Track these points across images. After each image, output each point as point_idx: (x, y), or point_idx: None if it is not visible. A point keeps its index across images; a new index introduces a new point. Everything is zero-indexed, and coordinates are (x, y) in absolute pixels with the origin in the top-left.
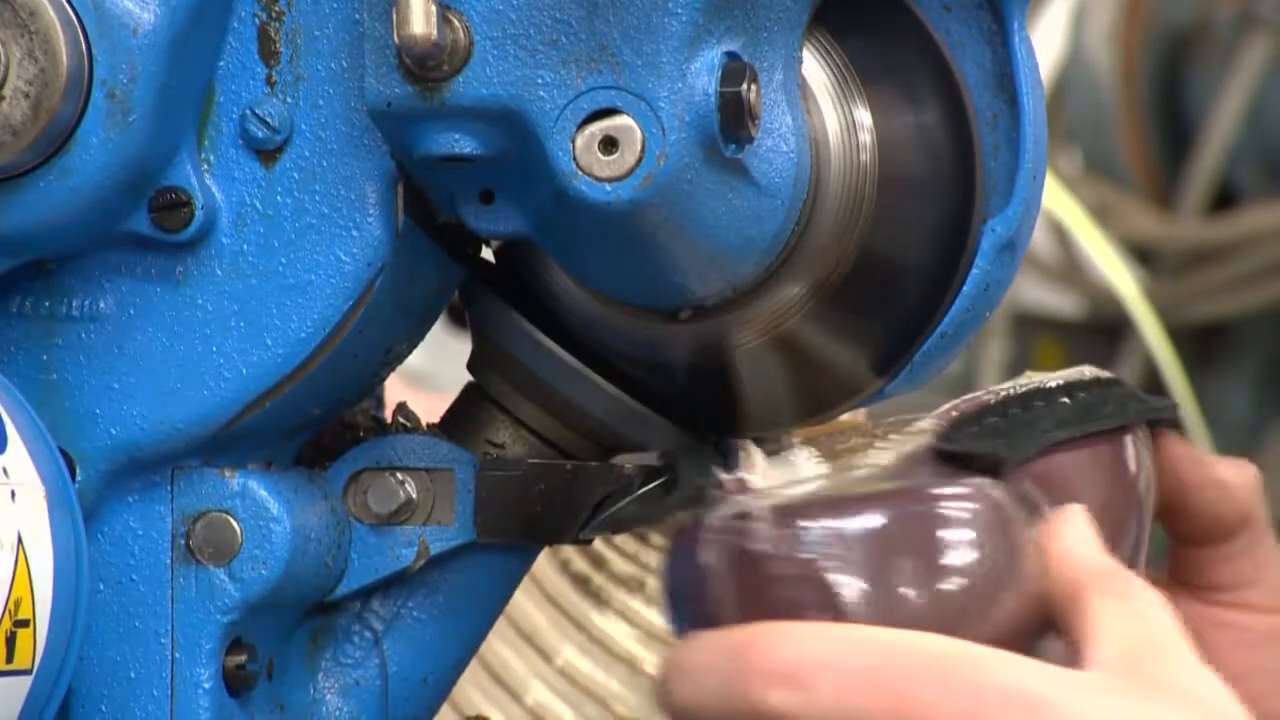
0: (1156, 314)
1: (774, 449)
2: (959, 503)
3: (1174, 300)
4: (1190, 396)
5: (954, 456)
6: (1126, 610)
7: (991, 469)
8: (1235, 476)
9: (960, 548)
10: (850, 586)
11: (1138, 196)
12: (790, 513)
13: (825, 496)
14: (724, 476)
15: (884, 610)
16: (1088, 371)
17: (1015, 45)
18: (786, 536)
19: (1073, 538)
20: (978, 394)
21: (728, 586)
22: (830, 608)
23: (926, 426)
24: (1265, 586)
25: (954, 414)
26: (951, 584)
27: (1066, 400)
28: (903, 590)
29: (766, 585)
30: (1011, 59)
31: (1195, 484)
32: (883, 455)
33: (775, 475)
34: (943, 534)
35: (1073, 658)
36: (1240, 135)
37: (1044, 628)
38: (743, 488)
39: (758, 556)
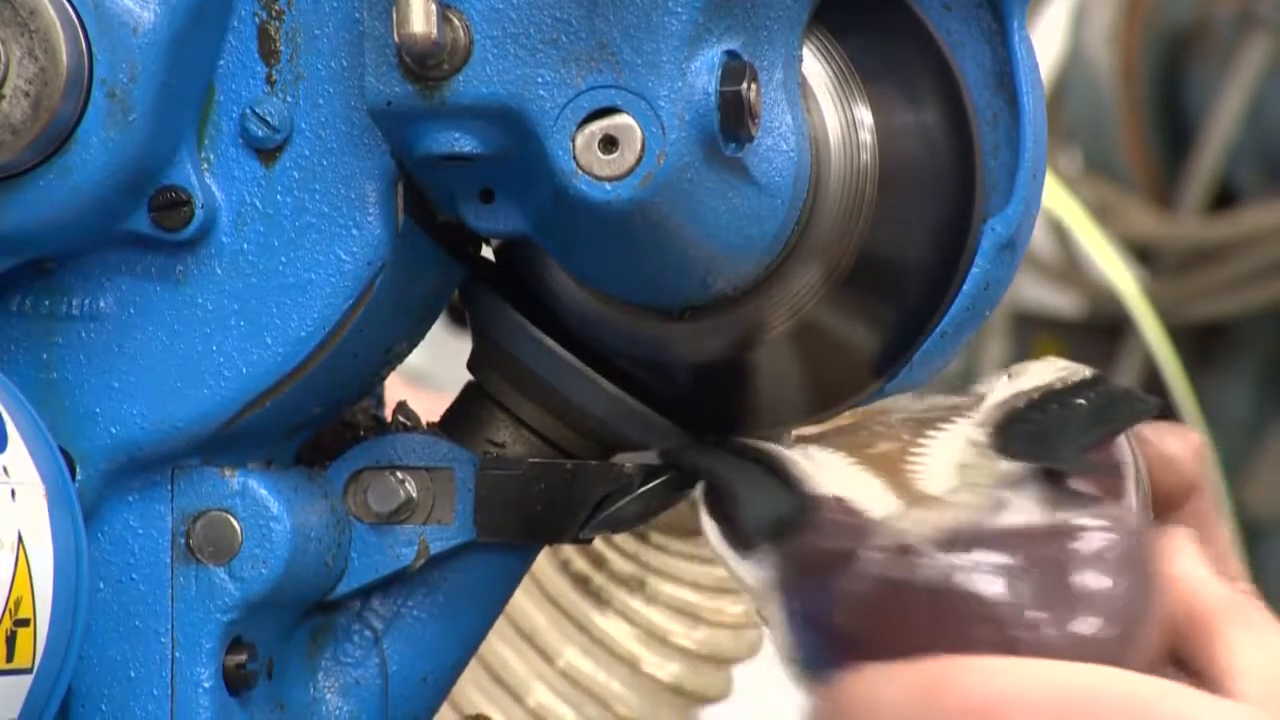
0: (1156, 313)
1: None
2: (1112, 535)
3: (1174, 300)
4: (1190, 396)
5: (1052, 473)
6: (1260, 642)
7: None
8: (1181, 449)
9: (1118, 581)
10: (1021, 621)
11: (1138, 196)
12: (953, 545)
13: (983, 529)
14: (819, 495)
15: (1052, 644)
16: (1062, 365)
17: (1015, 44)
18: (956, 569)
19: (1190, 564)
20: (1009, 397)
21: (892, 620)
22: (1002, 643)
23: (974, 436)
24: (1212, 554)
25: (995, 417)
26: (1111, 617)
27: (1081, 402)
28: (1069, 624)
29: (936, 619)
30: (1011, 58)
31: (1144, 460)
32: (934, 461)
33: (856, 490)
34: (1101, 568)
35: (1206, 688)
36: (1240, 135)
37: (1162, 654)
38: (844, 509)
39: (925, 589)
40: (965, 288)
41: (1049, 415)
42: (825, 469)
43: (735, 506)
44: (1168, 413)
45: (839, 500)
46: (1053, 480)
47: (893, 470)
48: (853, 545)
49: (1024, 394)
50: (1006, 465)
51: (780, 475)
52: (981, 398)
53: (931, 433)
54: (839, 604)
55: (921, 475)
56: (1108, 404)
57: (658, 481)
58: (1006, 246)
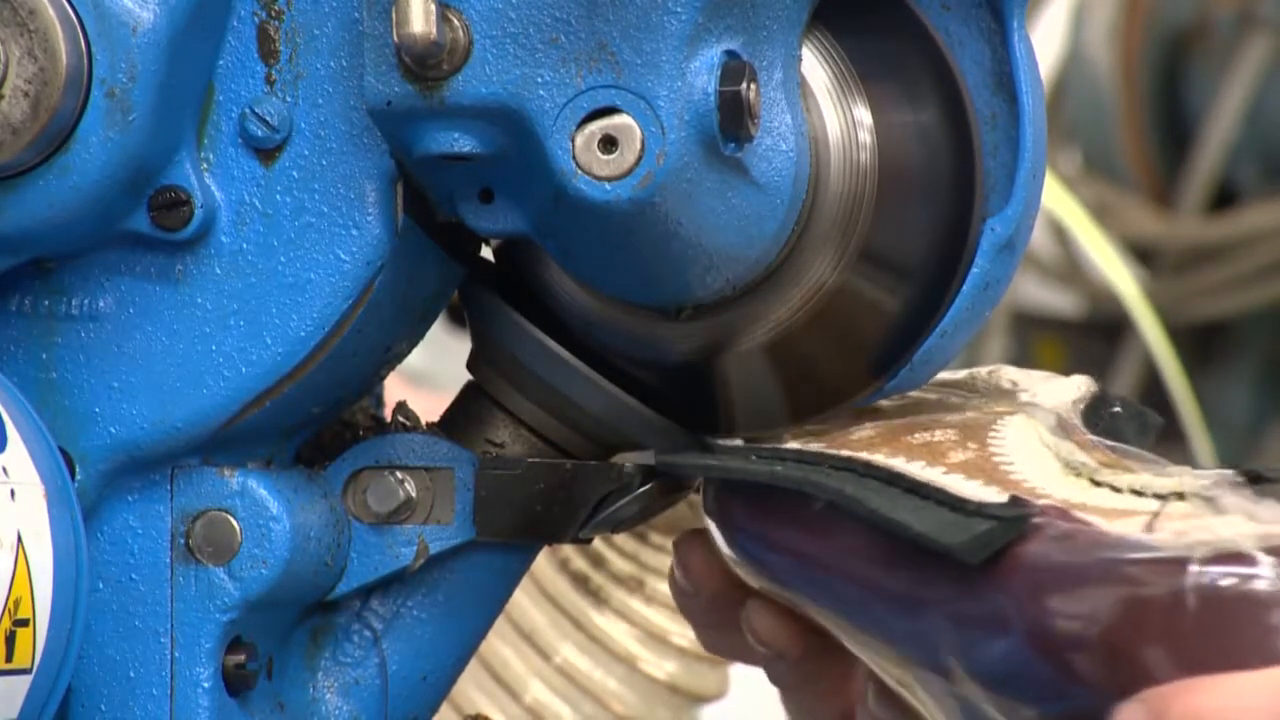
0: (1156, 313)
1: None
2: None
3: (1174, 300)
4: (1190, 396)
5: (1260, 479)
6: None
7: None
8: None
9: None
10: None
11: (1137, 196)
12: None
13: None
14: (1036, 501)
15: None
16: (1044, 375)
17: (1014, 44)
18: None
19: None
20: (1069, 405)
21: (1217, 631)
22: None
23: (1053, 443)
24: None
25: (1071, 423)
26: None
27: (1119, 410)
28: None
29: (1268, 629)
30: (1011, 58)
31: None
32: (1031, 468)
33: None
34: None
35: None
36: (1240, 134)
37: None
38: (1065, 515)
39: (1258, 600)
40: (965, 287)
41: (1105, 423)
42: (928, 477)
43: (893, 526)
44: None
45: (1059, 510)
46: (1257, 485)
47: (1000, 480)
48: (1122, 556)
49: (1079, 401)
50: (1154, 473)
51: (903, 487)
52: (972, 388)
53: (994, 440)
54: (1135, 618)
55: (1038, 484)
56: (1136, 414)
57: (657, 481)
58: (1006, 246)
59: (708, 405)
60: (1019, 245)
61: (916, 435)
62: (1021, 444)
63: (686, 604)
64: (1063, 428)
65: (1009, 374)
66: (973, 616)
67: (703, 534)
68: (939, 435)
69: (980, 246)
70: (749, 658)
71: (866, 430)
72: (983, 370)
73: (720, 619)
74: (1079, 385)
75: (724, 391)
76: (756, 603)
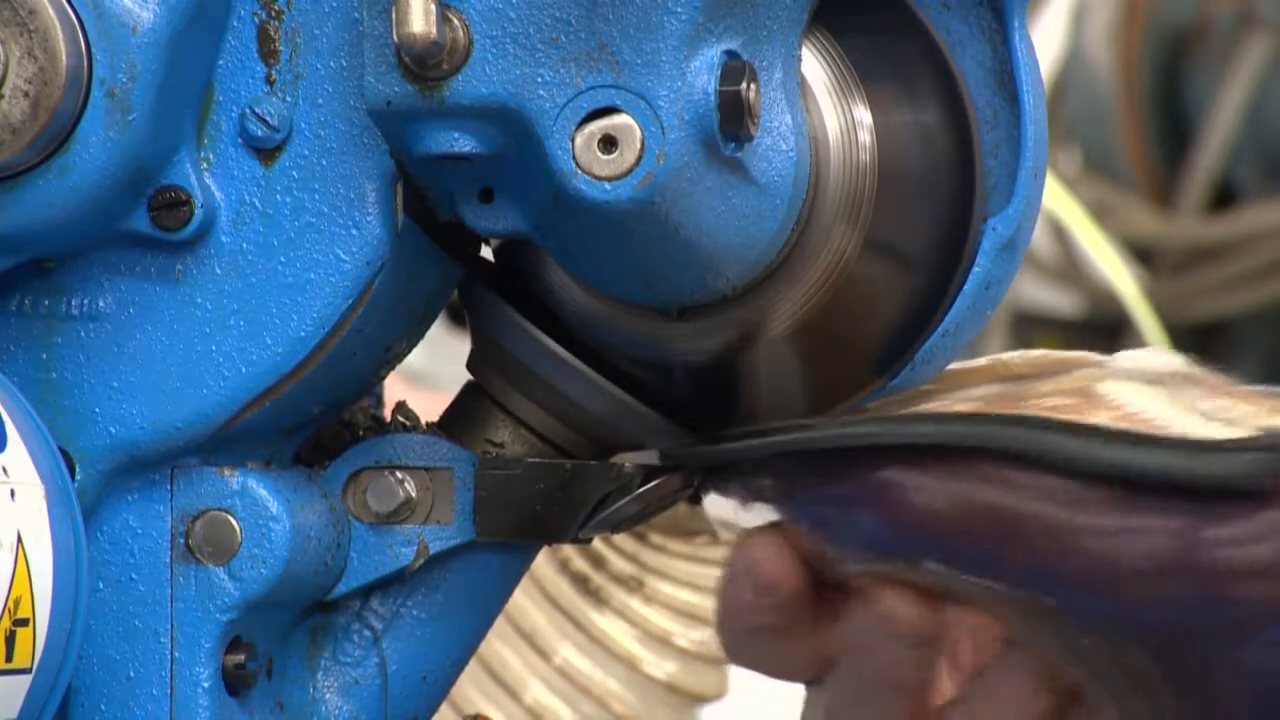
0: (1156, 313)
1: None
2: None
3: (1174, 299)
4: None
5: None
6: None
7: None
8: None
9: None
10: None
11: (1137, 195)
12: None
13: None
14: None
15: None
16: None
17: (1015, 43)
18: None
19: None
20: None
21: None
22: None
23: (1195, 402)
24: None
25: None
26: None
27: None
28: None
29: None
30: (1012, 57)
31: None
32: (1172, 418)
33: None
34: None
35: None
36: (1239, 134)
37: None
38: None
39: None
40: (967, 287)
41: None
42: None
43: (1114, 470)
44: None
45: None
46: None
47: (1155, 430)
48: None
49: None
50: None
51: (1102, 438)
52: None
53: (1118, 401)
54: None
55: (1205, 435)
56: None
57: (657, 481)
58: (1007, 246)
59: (707, 404)
60: (1020, 245)
61: (1033, 402)
62: (1150, 403)
63: (755, 606)
64: (1193, 384)
65: (1050, 354)
66: (1225, 552)
67: (765, 531)
68: (1056, 400)
69: (981, 246)
70: (795, 668)
71: (961, 406)
72: (1011, 355)
73: (791, 620)
74: (1159, 352)
75: (724, 391)
76: (894, 589)
